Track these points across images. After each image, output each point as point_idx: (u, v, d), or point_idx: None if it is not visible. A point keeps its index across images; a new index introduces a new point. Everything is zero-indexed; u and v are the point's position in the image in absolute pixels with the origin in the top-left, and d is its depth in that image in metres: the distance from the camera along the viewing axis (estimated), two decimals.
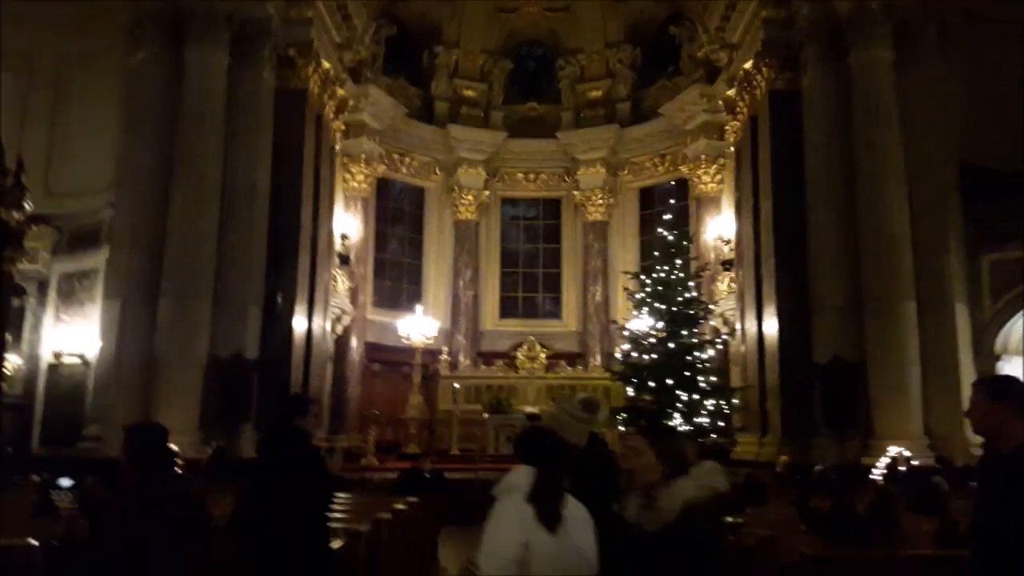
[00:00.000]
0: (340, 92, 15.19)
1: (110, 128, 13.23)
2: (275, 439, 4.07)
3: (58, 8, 12.97)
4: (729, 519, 5.38)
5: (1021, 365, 11.80)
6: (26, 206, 9.91)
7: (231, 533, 3.89)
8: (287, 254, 12.96)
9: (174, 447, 9.74)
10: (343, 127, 16.32)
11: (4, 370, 11.39)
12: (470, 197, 20.24)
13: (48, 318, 13.65)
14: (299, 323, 13.25)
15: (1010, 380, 2.97)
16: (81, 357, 13.24)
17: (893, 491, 4.55)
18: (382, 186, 19.26)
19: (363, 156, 17.88)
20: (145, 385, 11.63)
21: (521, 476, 2.75)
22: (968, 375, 11.44)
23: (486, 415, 16.64)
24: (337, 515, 5.96)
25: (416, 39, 20.26)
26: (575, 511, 2.71)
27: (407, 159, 19.75)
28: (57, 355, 13.48)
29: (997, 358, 11.88)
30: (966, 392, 11.01)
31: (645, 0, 19.97)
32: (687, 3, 18.69)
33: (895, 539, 4.11)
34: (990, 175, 12.26)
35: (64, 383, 13.35)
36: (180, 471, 9.16)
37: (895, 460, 10.02)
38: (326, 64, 14.17)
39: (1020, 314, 11.97)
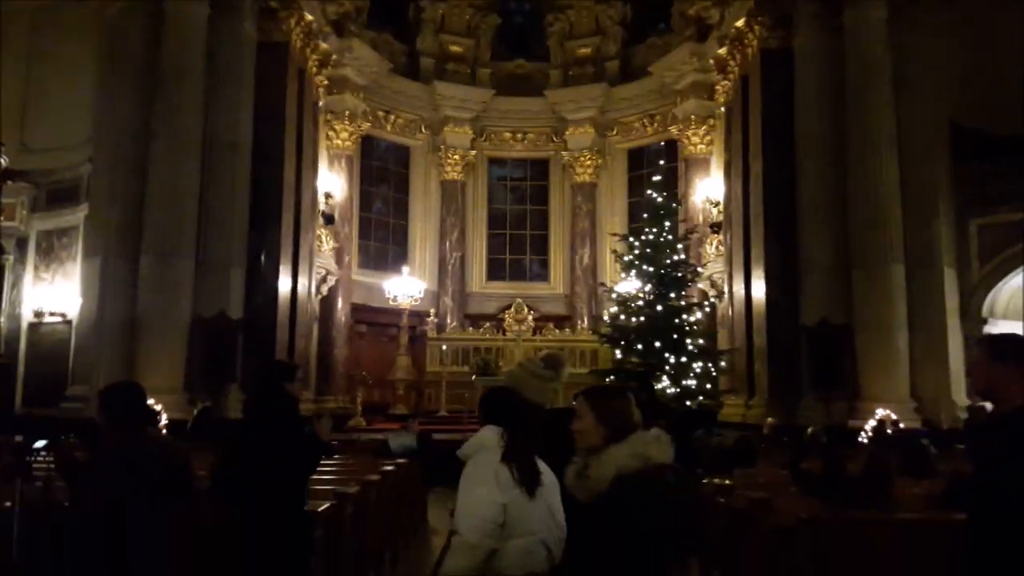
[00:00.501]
0: (323, 46, 14.84)
1: (87, 81, 12.83)
2: (261, 403, 3.97)
3: None
4: (717, 481, 5.35)
5: (1010, 328, 11.85)
6: (1, 161, 9.62)
7: (212, 494, 3.81)
8: (270, 212, 12.75)
9: (157, 406, 9.69)
10: (326, 82, 15.98)
11: None
12: (456, 156, 19.98)
13: (28, 276, 13.39)
14: (284, 283, 13.09)
15: (1013, 339, 2.89)
16: (63, 316, 13.02)
17: (886, 453, 4.52)
18: (367, 144, 18.95)
19: (347, 113, 17.54)
20: (128, 344, 11.47)
21: (490, 436, 2.66)
22: (955, 339, 11.50)
23: (473, 377, 16.61)
24: (325, 478, 5.93)
25: None
26: (544, 473, 2.64)
27: (392, 116, 19.42)
28: (38, 314, 13.24)
29: (984, 322, 11.89)
30: (953, 355, 11.19)
31: None
32: None
33: (889, 502, 4.08)
34: (981, 137, 12.13)
35: (46, 342, 13.15)
36: (163, 430, 9.09)
37: (882, 422, 10.08)
38: (308, 16, 13.81)
39: (1007, 278, 11.97)
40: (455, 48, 20.29)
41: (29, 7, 13.40)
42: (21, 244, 13.31)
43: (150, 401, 10.43)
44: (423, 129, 19.93)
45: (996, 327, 11.92)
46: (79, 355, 12.18)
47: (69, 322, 12.83)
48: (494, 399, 2.85)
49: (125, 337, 11.49)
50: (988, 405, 2.84)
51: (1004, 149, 11.89)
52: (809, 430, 5.70)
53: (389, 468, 6.95)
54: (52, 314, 13.08)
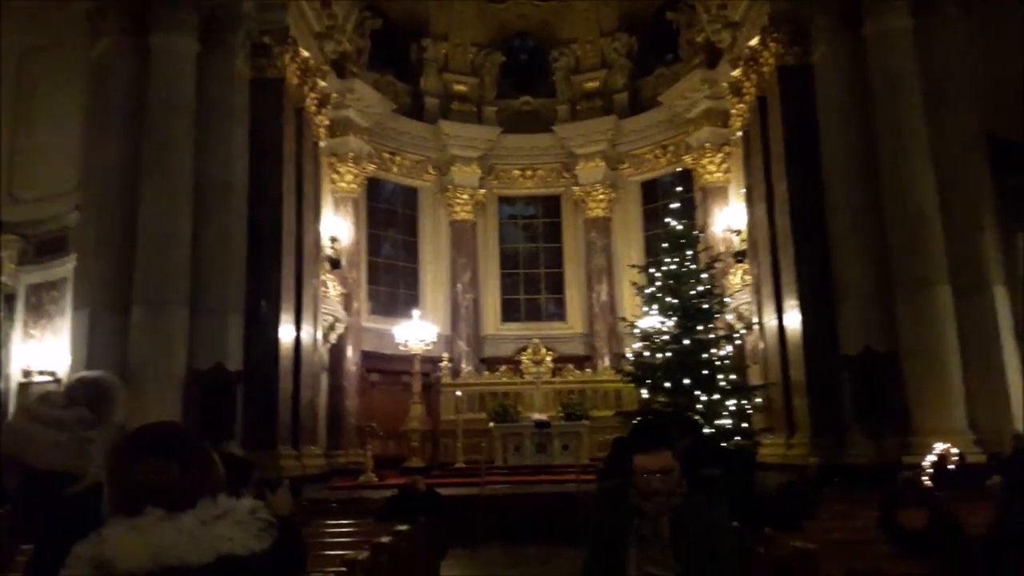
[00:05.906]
0: (321, 84, 14.27)
1: (75, 126, 12.31)
2: None
3: (14, 1, 12.05)
4: (794, 543, 4.40)
5: None
6: None
7: None
8: (269, 256, 11.99)
9: None
10: (327, 122, 15.41)
11: None
12: (465, 196, 19.38)
13: (16, 333, 12.71)
14: (286, 331, 12.28)
15: None
16: (52, 374, 12.31)
17: (1017, 504, 3.63)
18: (373, 186, 18.39)
19: (351, 155, 17.01)
20: None
21: None
22: (1012, 362, 10.54)
23: (491, 424, 15.70)
24: (332, 541, 5.55)
25: (403, 33, 19.47)
26: None
27: (398, 158, 18.90)
28: (27, 373, 12.55)
29: None
30: (1012, 381, 10.20)
31: None
32: None
33: None
34: (1020, 147, 11.39)
35: None
36: None
37: (942, 457, 9.09)
38: (305, 53, 13.26)
39: None
40: (460, 87, 19.87)
41: (15, 53, 12.91)
42: (9, 300, 12.65)
43: None
44: (430, 170, 19.39)
45: None
46: None
47: (59, 381, 12.08)
48: None
49: None
50: None
51: None
52: (905, 473, 4.84)
53: (403, 529, 6.12)
54: (41, 373, 12.36)
